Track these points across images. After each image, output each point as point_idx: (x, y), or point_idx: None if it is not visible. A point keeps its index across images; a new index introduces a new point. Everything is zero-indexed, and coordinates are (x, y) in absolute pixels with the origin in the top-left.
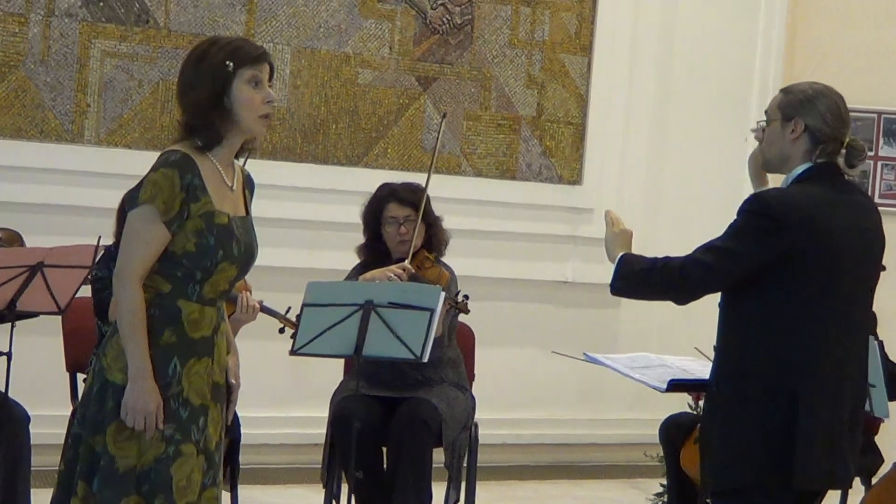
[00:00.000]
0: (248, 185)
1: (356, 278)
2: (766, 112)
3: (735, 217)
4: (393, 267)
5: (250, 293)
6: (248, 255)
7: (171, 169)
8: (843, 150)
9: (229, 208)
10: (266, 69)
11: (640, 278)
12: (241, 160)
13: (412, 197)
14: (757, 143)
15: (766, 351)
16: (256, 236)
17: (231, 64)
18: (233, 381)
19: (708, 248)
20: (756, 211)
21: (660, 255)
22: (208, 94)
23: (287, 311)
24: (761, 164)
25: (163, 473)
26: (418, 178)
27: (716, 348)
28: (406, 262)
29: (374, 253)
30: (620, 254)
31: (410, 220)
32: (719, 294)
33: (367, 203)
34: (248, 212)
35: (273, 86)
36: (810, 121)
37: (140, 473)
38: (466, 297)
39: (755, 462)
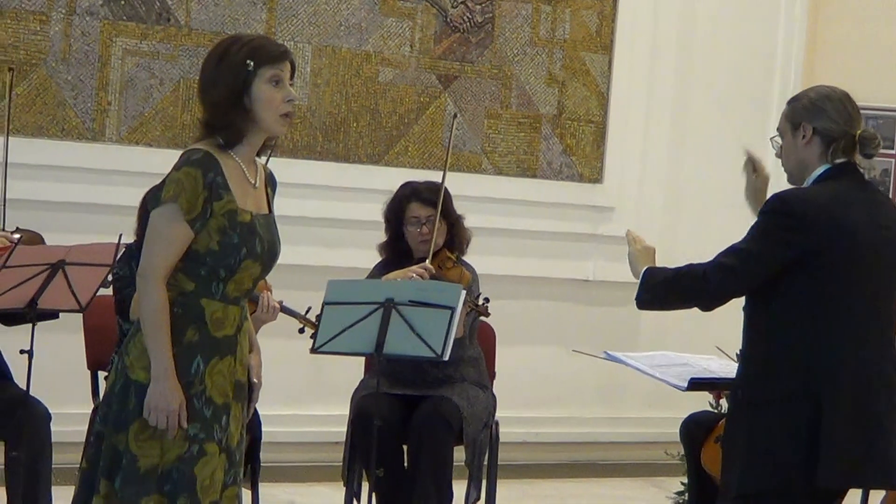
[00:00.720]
0: (271, 182)
1: (378, 276)
2: (777, 129)
3: (756, 218)
4: (415, 267)
5: (271, 293)
6: (271, 253)
7: (194, 167)
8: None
9: (252, 206)
10: (287, 68)
11: (665, 288)
12: (263, 158)
13: (434, 197)
14: (749, 175)
15: (789, 352)
16: (279, 234)
17: (252, 63)
18: (255, 381)
19: (730, 251)
20: (776, 210)
21: (680, 255)
22: (229, 93)
23: (307, 312)
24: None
25: (186, 473)
26: (439, 176)
27: (740, 354)
28: (427, 261)
29: (396, 251)
30: (645, 268)
31: (433, 220)
32: (743, 298)
33: (389, 202)
34: (270, 209)
35: (294, 84)
36: (818, 123)
37: (162, 473)
38: (487, 299)
39: (780, 464)
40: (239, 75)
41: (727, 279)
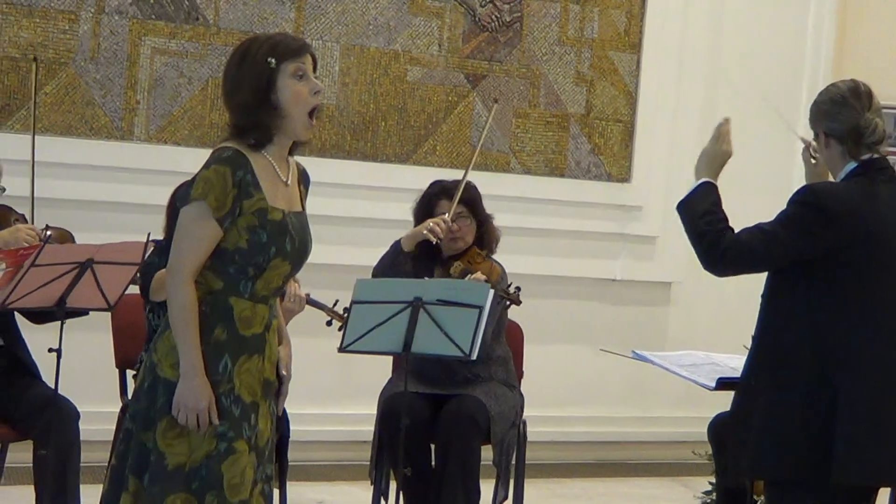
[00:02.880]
0: (304, 180)
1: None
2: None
3: (786, 206)
4: (436, 219)
5: (298, 284)
6: (301, 251)
7: (224, 165)
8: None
9: (283, 204)
10: (309, 61)
11: (695, 223)
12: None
13: (464, 194)
14: (808, 162)
15: (808, 342)
16: (311, 232)
17: (273, 60)
18: (283, 373)
19: (757, 229)
20: (806, 202)
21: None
22: (254, 93)
23: (334, 305)
24: None
25: (214, 470)
26: (468, 175)
27: (753, 339)
28: (457, 260)
29: (424, 249)
30: (704, 179)
31: (462, 217)
32: (763, 287)
33: (419, 200)
34: (303, 207)
35: (319, 79)
36: (824, 125)
37: (190, 471)
38: (518, 288)
39: (795, 455)
40: (262, 74)
41: (744, 255)
